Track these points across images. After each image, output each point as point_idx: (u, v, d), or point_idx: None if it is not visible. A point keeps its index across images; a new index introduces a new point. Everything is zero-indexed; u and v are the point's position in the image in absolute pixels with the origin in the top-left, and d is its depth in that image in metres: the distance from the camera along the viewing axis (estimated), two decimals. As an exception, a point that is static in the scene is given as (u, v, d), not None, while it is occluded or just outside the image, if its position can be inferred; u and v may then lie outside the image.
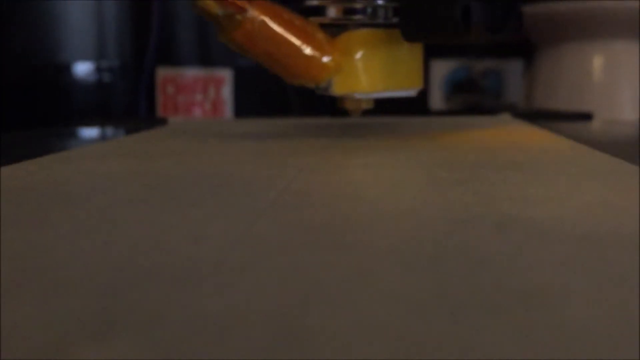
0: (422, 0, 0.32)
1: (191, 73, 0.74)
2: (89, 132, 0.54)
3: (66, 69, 0.70)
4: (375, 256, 0.14)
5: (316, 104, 0.74)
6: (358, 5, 0.34)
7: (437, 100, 0.84)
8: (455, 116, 0.59)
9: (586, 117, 0.63)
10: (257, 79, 0.66)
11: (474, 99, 0.83)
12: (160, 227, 0.17)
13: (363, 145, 0.35)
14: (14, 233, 0.16)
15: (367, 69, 0.34)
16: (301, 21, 0.34)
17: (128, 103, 0.76)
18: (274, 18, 0.33)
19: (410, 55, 0.36)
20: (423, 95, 0.84)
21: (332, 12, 0.35)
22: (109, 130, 0.55)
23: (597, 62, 0.69)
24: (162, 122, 0.56)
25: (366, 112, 0.37)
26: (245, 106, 0.73)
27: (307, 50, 0.33)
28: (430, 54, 0.85)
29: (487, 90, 0.83)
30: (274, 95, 0.71)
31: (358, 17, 0.34)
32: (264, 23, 0.33)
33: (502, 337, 0.10)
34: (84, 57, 0.71)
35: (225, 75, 0.73)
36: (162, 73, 0.75)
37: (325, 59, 0.33)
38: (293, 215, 0.18)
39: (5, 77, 0.64)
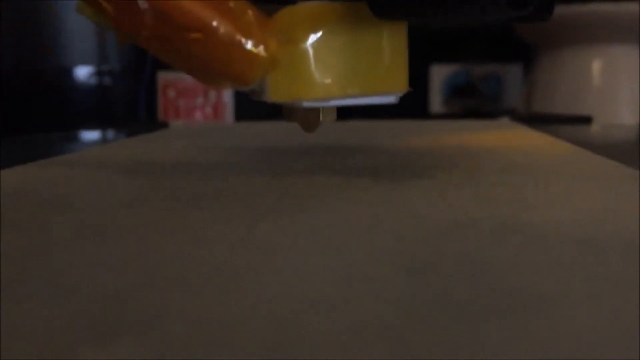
0: None
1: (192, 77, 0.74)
2: (90, 136, 0.54)
3: (67, 72, 0.71)
4: (375, 259, 0.14)
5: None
6: None
7: (436, 104, 0.84)
8: (454, 120, 0.60)
9: (585, 120, 0.63)
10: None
11: (474, 103, 0.83)
12: (161, 230, 0.17)
13: (364, 148, 0.36)
14: (15, 236, 0.16)
15: (321, 63, 0.23)
16: None
17: (129, 107, 0.76)
18: None
19: (387, 42, 0.23)
20: (423, 99, 0.84)
21: None
22: (110, 134, 0.55)
23: (596, 66, 0.69)
24: (163, 125, 0.56)
25: (365, 115, 0.36)
26: (246, 110, 0.73)
27: (224, 34, 0.22)
28: (430, 58, 0.86)
29: (487, 94, 0.83)
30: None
31: None
32: None
33: (501, 339, 0.10)
34: (85, 61, 0.71)
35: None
36: (163, 77, 0.75)
37: (253, 47, 0.22)
38: (293, 219, 0.18)
39: (7, 81, 0.64)
